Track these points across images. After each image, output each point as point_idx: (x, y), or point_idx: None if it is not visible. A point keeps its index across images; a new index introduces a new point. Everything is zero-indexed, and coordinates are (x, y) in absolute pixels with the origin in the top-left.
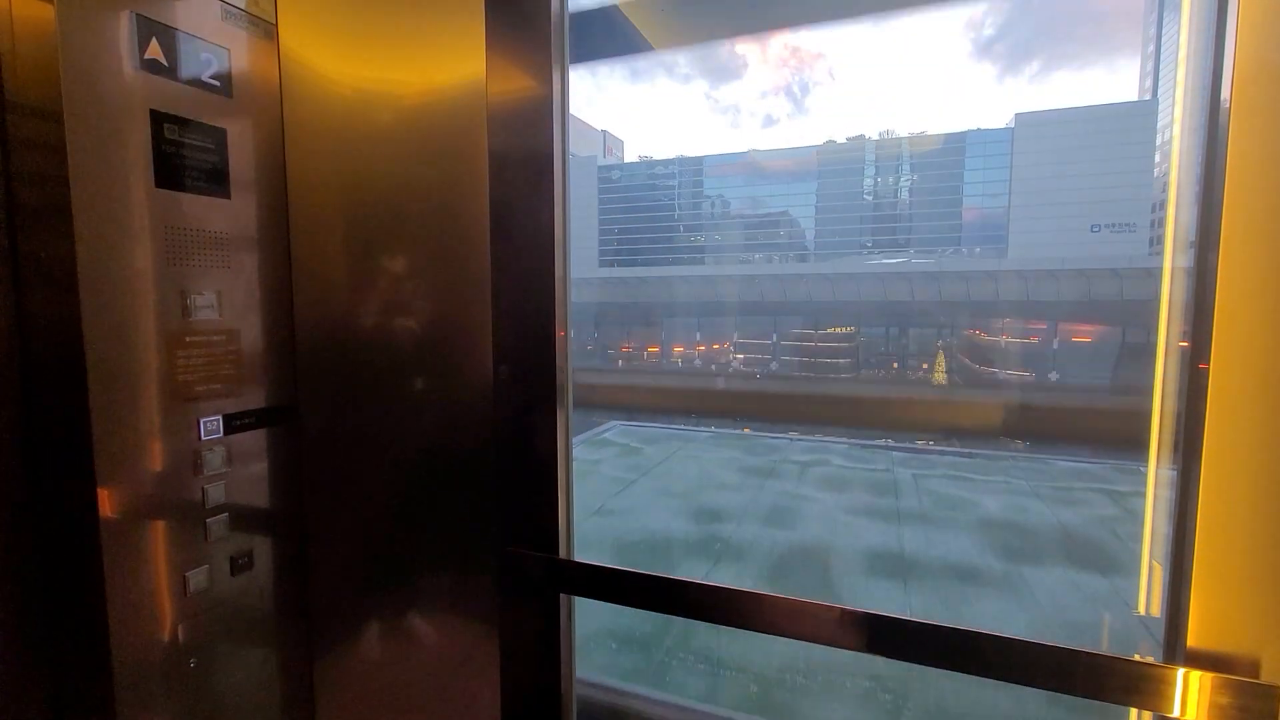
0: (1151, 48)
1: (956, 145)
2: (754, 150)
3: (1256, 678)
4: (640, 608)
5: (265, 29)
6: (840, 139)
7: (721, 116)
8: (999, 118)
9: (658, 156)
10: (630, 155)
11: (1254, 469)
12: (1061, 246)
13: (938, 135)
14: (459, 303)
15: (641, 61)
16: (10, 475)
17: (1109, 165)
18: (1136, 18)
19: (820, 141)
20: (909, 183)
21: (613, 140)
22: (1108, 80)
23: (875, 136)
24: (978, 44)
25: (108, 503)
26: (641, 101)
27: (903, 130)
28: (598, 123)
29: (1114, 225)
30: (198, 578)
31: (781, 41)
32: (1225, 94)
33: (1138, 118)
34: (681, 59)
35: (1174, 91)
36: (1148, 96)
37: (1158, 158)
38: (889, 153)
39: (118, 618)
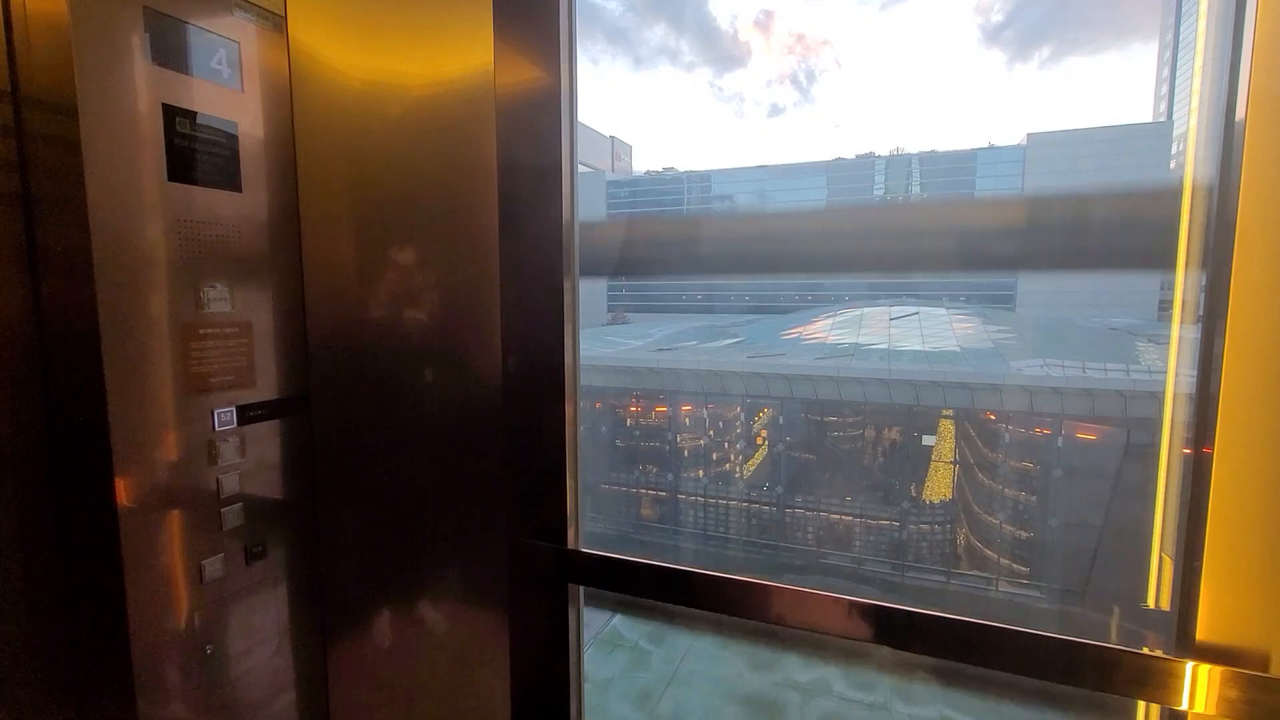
0: (1170, 35)
1: (967, 164)
2: (763, 167)
3: (1266, 671)
4: (648, 598)
5: (274, 21)
6: (849, 155)
7: (725, 105)
8: (1010, 127)
9: (663, 162)
10: (638, 160)
11: (1266, 462)
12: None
13: (948, 154)
14: (468, 294)
15: (643, 49)
16: (30, 464)
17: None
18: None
19: (830, 156)
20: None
21: (620, 146)
22: (1121, 65)
23: (885, 153)
24: (986, 30)
25: (125, 492)
26: (644, 90)
27: (912, 148)
28: (601, 121)
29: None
30: (213, 566)
31: (785, 29)
32: (1240, 113)
33: (1152, 139)
34: (685, 46)
35: (1189, 99)
36: (1164, 81)
37: (1173, 166)
38: (899, 170)
39: (136, 604)
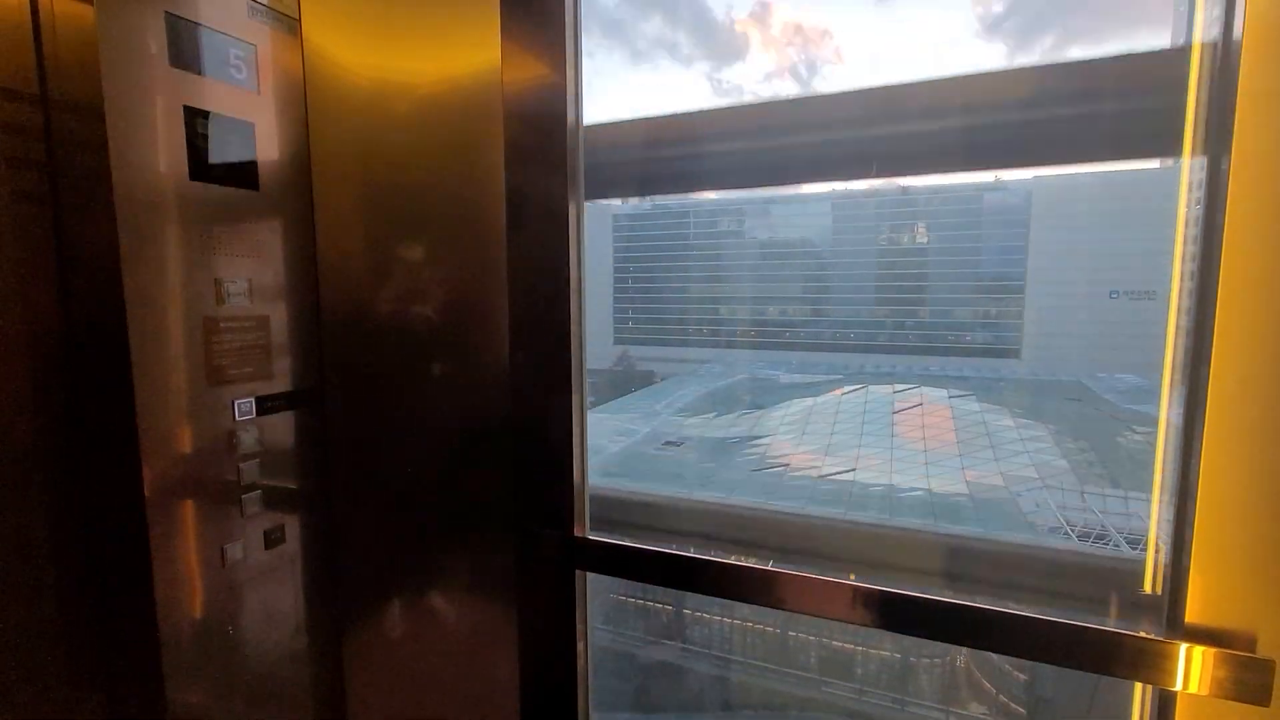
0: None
1: (974, 204)
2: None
3: (1253, 652)
4: (654, 584)
5: (289, 24)
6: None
7: (724, 99)
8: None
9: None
10: None
11: (1252, 452)
12: (1079, 310)
13: (953, 191)
14: (476, 289)
15: (641, 42)
16: (60, 455)
17: (1130, 232)
18: None
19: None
20: (925, 241)
21: None
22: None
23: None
24: (985, 21)
25: (151, 481)
26: (643, 83)
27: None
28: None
29: (1133, 292)
30: (234, 550)
31: (782, 20)
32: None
33: (1160, 184)
34: (682, 38)
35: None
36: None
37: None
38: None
39: (163, 588)
